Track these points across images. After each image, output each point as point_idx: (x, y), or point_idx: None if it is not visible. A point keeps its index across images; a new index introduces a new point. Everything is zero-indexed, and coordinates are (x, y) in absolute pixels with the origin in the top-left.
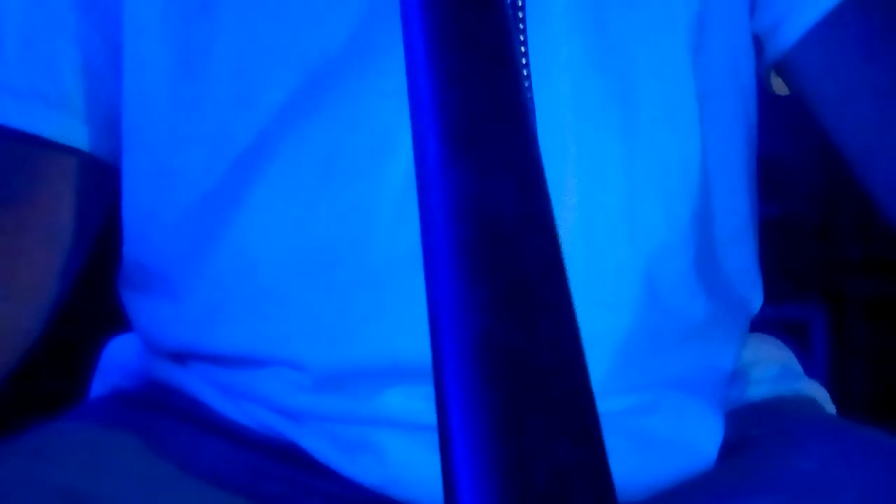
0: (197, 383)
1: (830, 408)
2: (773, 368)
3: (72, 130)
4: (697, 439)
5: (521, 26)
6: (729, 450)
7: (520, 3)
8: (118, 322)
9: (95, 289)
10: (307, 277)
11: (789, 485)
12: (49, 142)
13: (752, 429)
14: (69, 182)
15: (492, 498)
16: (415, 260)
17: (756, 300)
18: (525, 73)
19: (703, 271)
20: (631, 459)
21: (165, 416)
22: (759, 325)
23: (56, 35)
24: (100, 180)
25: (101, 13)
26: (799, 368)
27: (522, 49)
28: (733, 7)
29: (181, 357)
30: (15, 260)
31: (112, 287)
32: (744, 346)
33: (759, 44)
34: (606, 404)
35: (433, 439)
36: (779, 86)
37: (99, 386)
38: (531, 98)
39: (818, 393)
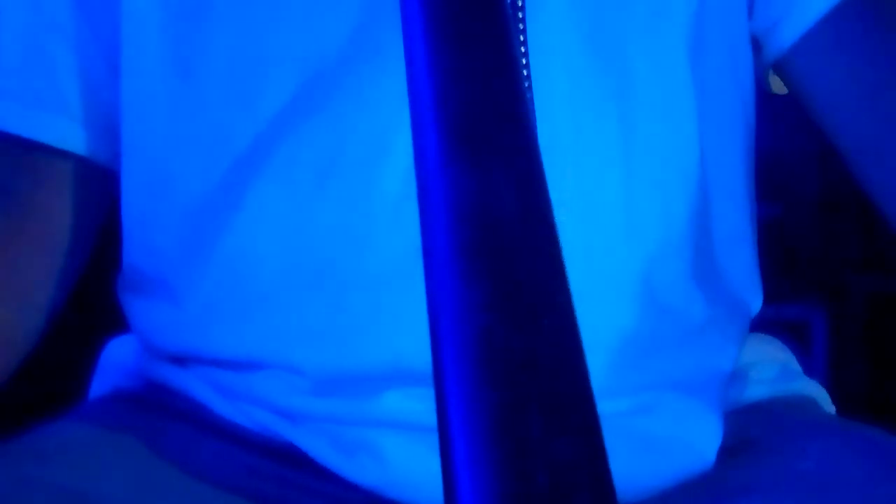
0: (196, 385)
1: (830, 408)
2: (773, 369)
3: (70, 135)
4: (697, 440)
5: (521, 26)
6: (728, 450)
7: (520, 3)
8: (118, 322)
9: (95, 289)
10: (305, 280)
11: (789, 485)
12: (47, 146)
13: (752, 429)
14: (67, 186)
15: (492, 498)
16: (413, 262)
17: (756, 301)
18: (525, 73)
19: (702, 272)
20: (630, 460)
21: (165, 417)
22: (759, 325)
23: (54, 40)
24: (98, 184)
25: (99, 18)
26: (799, 368)
27: (522, 49)
28: (731, 7)
29: (180, 359)
30: (13, 264)
31: (112, 288)
32: (743, 346)
33: (756, 43)
34: (605, 405)
35: (432, 441)
36: (777, 85)
37: (99, 386)
38: (531, 98)
39: (818, 393)
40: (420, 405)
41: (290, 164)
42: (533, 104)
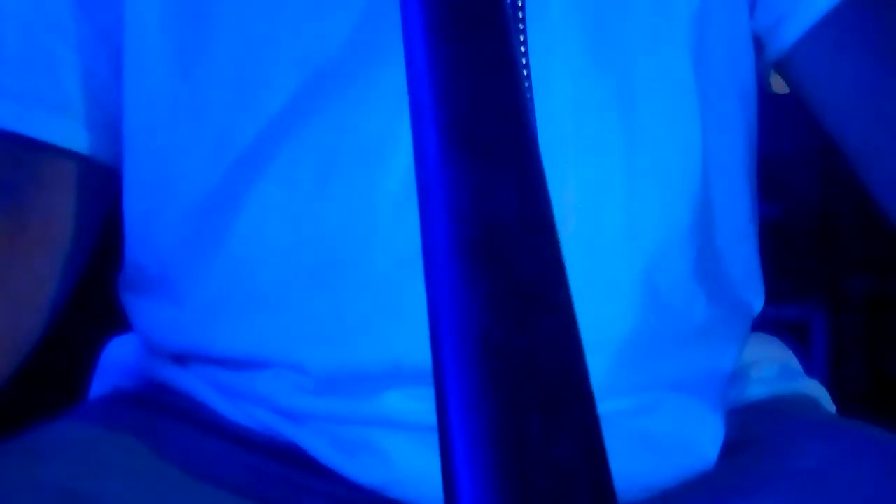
0: (197, 384)
1: (830, 407)
2: (773, 368)
3: (72, 134)
4: (698, 440)
5: (521, 26)
6: (729, 450)
7: (520, 3)
8: (118, 322)
9: (95, 289)
10: (307, 279)
11: (789, 484)
12: (49, 145)
13: (753, 428)
14: (70, 185)
15: (492, 498)
16: (414, 262)
17: (757, 301)
18: (525, 73)
19: (704, 272)
20: (631, 460)
21: (165, 416)
22: (760, 325)
23: (56, 40)
24: (100, 183)
25: (102, 17)
26: (799, 368)
27: (522, 49)
28: (733, 6)
29: (181, 358)
30: (14, 264)
31: (112, 288)
32: (744, 346)
33: (758, 42)
34: (607, 405)
35: (434, 440)
36: (778, 85)
37: (99, 386)
38: (531, 98)
39: (818, 392)
40: (421, 405)
41: (292, 163)
42: (533, 104)
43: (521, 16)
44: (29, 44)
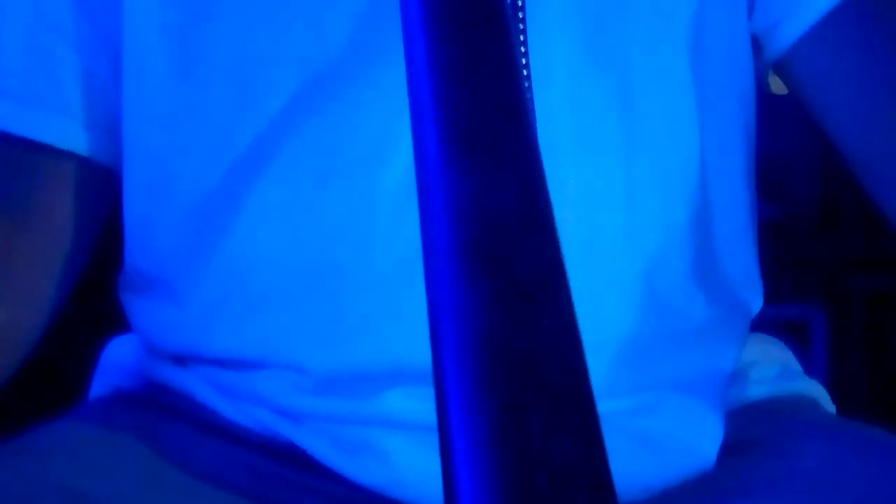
0: (197, 384)
1: (830, 407)
2: (773, 368)
3: (71, 135)
4: (697, 440)
5: (521, 26)
6: (729, 450)
7: (520, 3)
8: (118, 322)
9: (96, 290)
10: (307, 280)
11: (789, 485)
12: (49, 147)
13: (752, 429)
14: (69, 187)
15: (492, 498)
16: (414, 262)
17: (756, 301)
18: (525, 73)
19: (703, 272)
20: (631, 460)
21: (165, 416)
22: (759, 325)
23: (56, 41)
24: (100, 185)
25: (101, 18)
26: (799, 368)
27: (522, 49)
28: (731, 7)
29: (181, 359)
30: (15, 264)
31: (112, 288)
32: (744, 346)
33: (757, 43)
34: (606, 405)
35: (434, 440)
36: (777, 86)
37: (99, 386)
38: (531, 98)
39: (818, 393)
40: (421, 404)
41: (292, 164)
42: (533, 104)
43: (521, 16)
44: (29, 44)
